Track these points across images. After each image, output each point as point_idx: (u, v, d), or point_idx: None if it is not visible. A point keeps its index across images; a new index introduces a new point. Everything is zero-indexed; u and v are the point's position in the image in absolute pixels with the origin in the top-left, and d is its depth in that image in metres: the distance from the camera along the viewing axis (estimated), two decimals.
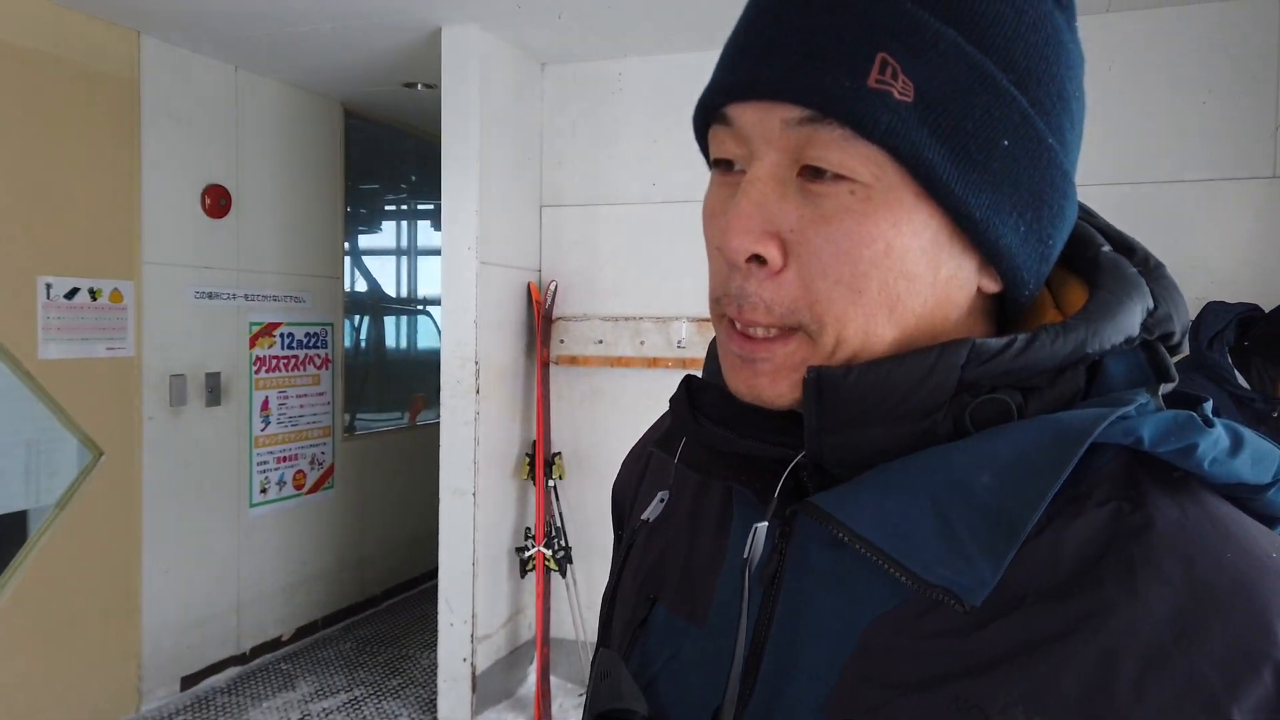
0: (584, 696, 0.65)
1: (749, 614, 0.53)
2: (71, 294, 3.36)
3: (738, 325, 0.52)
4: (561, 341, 3.95)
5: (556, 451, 3.92)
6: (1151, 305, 0.52)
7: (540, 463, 3.84)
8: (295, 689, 3.97)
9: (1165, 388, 0.51)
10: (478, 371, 3.56)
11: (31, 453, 3.35)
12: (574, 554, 3.87)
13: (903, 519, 0.48)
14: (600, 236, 3.93)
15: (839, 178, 0.48)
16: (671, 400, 0.61)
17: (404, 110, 4.94)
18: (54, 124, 3.30)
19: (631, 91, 3.86)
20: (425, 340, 7.14)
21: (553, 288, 3.95)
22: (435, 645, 3.70)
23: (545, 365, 3.93)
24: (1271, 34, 3.05)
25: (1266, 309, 2.93)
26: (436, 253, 8.40)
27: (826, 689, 0.50)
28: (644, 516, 0.68)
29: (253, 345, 4.22)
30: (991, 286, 0.53)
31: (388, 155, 6.18)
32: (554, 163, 4.00)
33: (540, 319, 3.91)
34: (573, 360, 3.93)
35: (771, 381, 0.52)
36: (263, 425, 4.28)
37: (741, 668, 0.53)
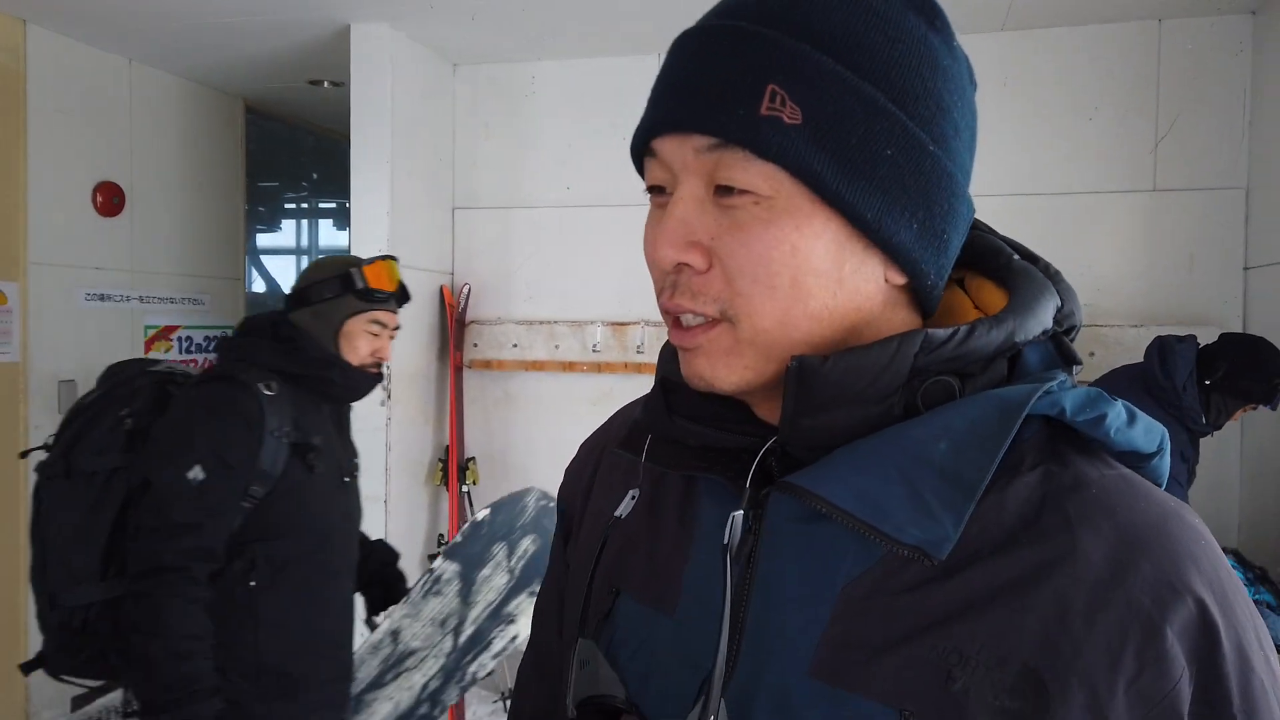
0: (507, 698, 0.68)
1: (732, 594, 0.59)
2: None
3: (671, 311, 0.60)
4: (475, 345, 3.91)
5: (470, 456, 3.89)
6: (1060, 303, 0.62)
7: (454, 468, 3.79)
8: None
9: (1076, 370, 0.61)
10: (389, 376, 3.50)
11: None
12: None
13: (874, 488, 0.55)
14: (515, 239, 3.91)
15: (744, 192, 0.56)
16: (646, 399, 0.68)
17: (309, 108, 4.81)
18: None
19: (545, 94, 3.85)
20: None
21: (466, 291, 3.91)
22: None
23: (459, 369, 3.89)
24: (1151, 56, 3.24)
25: (1156, 319, 3.11)
26: (340, 252, 8.19)
27: (812, 653, 0.56)
28: (617, 514, 0.72)
29: (148, 349, 4.04)
30: (897, 279, 0.60)
31: (288, 152, 6.01)
32: (467, 164, 3.96)
33: (453, 322, 3.86)
34: (486, 364, 3.90)
35: (710, 365, 0.60)
36: None
37: (727, 643, 0.59)
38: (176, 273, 4.20)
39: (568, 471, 0.84)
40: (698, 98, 0.57)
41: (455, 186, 3.97)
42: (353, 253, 3.47)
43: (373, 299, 2.01)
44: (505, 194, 3.92)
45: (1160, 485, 0.61)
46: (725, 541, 0.60)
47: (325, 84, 4.24)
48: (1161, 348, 2.38)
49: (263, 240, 7.64)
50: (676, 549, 0.66)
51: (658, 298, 0.62)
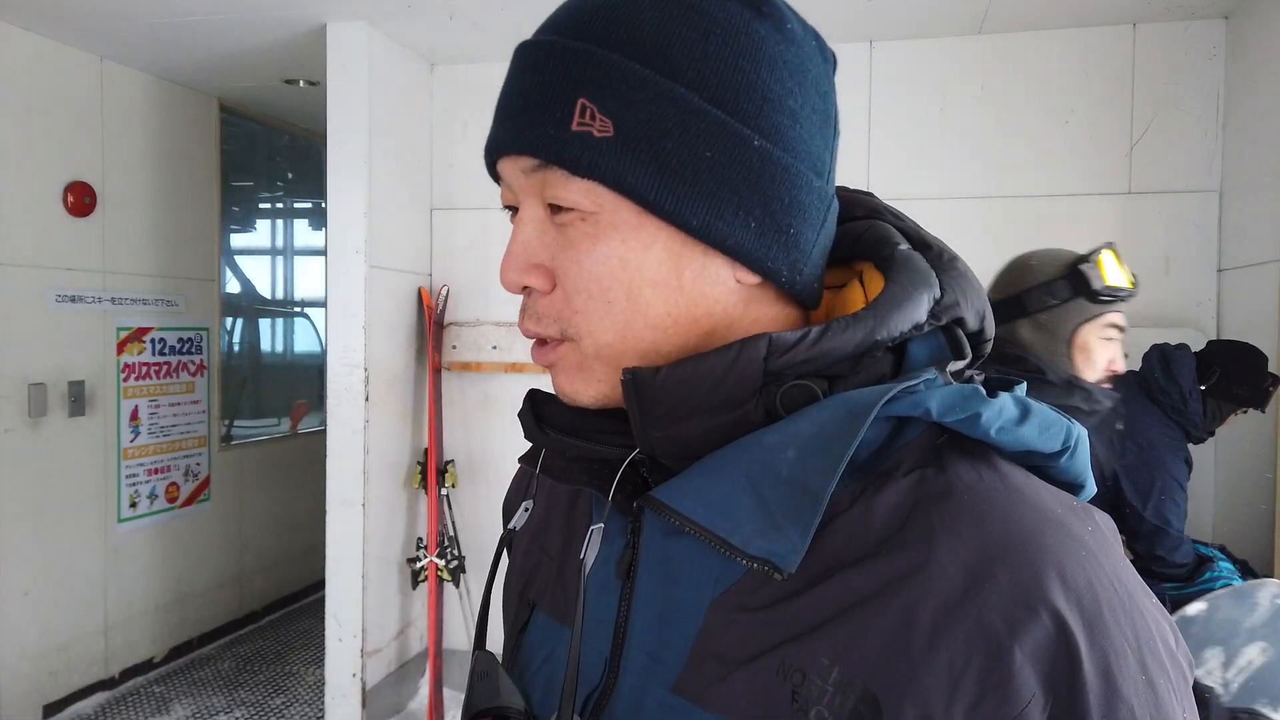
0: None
1: (584, 612, 0.59)
2: None
3: (523, 333, 0.61)
4: (454, 347, 3.88)
5: (449, 459, 3.86)
6: (938, 294, 0.58)
7: (433, 471, 3.76)
8: (170, 712, 3.77)
9: (954, 365, 0.58)
10: (367, 378, 3.46)
11: None
12: (467, 563, 3.81)
13: (724, 499, 0.53)
14: (493, 241, 3.89)
15: (570, 210, 0.56)
16: (519, 414, 0.66)
17: (284, 107, 4.76)
18: None
19: None
20: (304, 344, 6.89)
21: (444, 292, 3.88)
22: (321, 661, 3.58)
23: (437, 371, 3.86)
24: (1126, 60, 3.27)
25: (1133, 321, 3.12)
26: (314, 253, 8.14)
27: (678, 669, 0.55)
28: (511, 525, 0.73)
29: (120, 351, 3.99)
30: (749, 279, 0.58)
31: (263, 152, 5.94)
32: (445, 165, 3.93)
33: (432, 324, 3.83)
34: (465, 366, 3.88)
35: (569, 380, 0.60)
36: (132, 436, 4.04)
37: (606, 657, 0.59)
38: (150, 274, 4.14)
39: (513, 480, 0.83)
40: (519, 118, 0.56)
41: (433, 188, 3.94)
42: (329, 254, 3.44)
43: (1112, 298, 1.68)
44: (483, 195, 3.90)
45: (1078, 486, 0.58)
46: (581, 557, 0.59)
47: (301, 83, 4.19)
48: (1163, 355, 2.40)
49: (237, 240, 7.55)
50: (576, 563, 0.64)
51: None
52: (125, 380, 4.00)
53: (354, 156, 3.44)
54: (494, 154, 0.59)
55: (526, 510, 0.73)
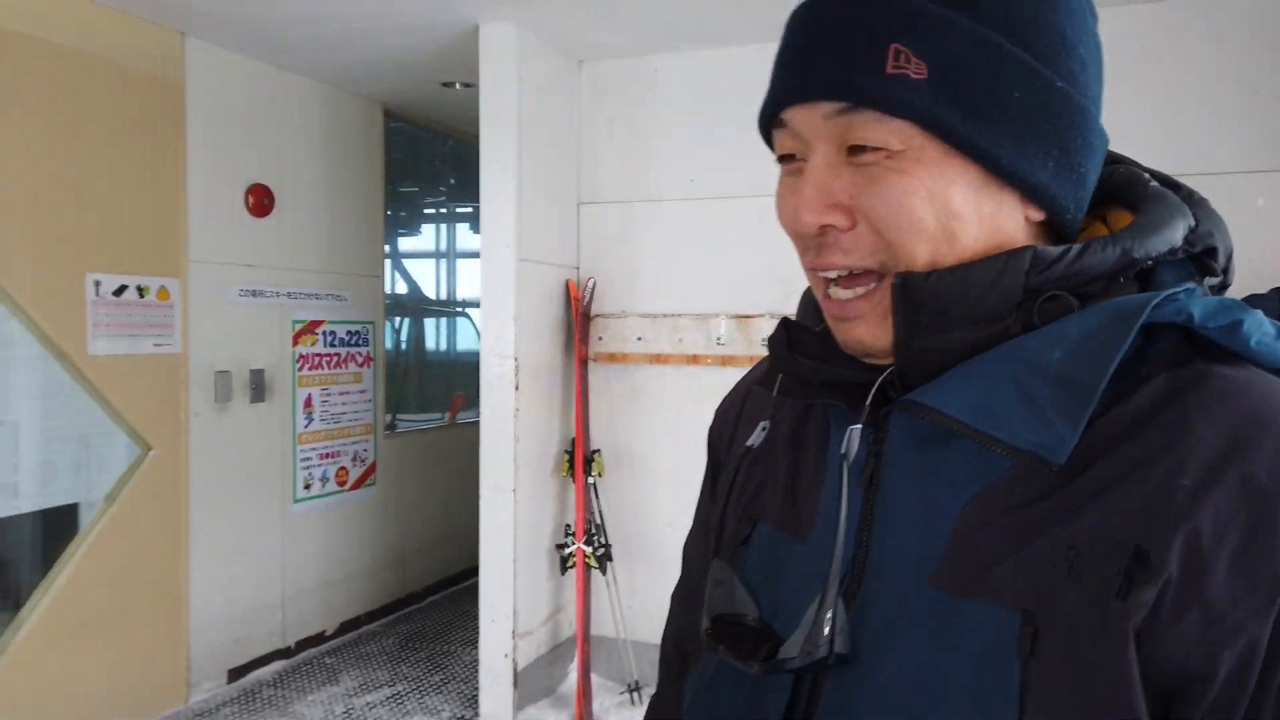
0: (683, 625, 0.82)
1: (853, 510, 0.62)
2: (120, 291, 3.43)
3: (819, 269, 0.63)
4: (600, 339, 3.94)
5: (595, 449, 3.92)
6: (1193, 223, 0.61)
7: (579, 460, 3.83)
8: (339, 683, 4.02)
9: (1211, 281, 0.61)
10: (516, 368, 3.57)
11: (82, 447, 3.42)
12: (614, 552, 3.86)
13: (988, 399, 0.56)
14: (638, 234, 3.92)
15: (876, 149, 0.58)
16: (770, 340, 0.71)
17: (442, 110, 4.97)
18: (103, 124, 3.36)
19: (667, 88, 3.84)
20: (464, 342, 7.18)
21: (591, 285, 3.95)
22: (476, 642, 3.71)
23: (584, 363, 3.93)
24: None
25: None
26: (475, 255, 8.44)
27: (933, 566, 0.58)
28: (748, 444, 0.76)
29: (295, 343, 4.27)
30: (1036, 215, 0.61)
31: (427, 157, 6.22)
32: (591, 160, 4.00)
33: (579, 316, 3.91)
34: (611, 357, 3.93)
35: (870, 330, 0.62)
36: (306, 422, 4.33)
37: (850, 557, 0.61)
38: (321, 270, 4.42)
39: (717, 411, 0.88)
40: (824, 66, 0.59)
41: (580, 182, 4.02)
42: (483, 248, 3.56)
43: None
44: (629, 188, 3.94)
45: None
46: (842, 452, 0.62)
47: (457, 85, 4.36)
48: None
49: (403, 243, 7.95)
50: (811, 481, 0.69)
51: (801, 259, 0.65)
52: (300, 370, 4.29)
53: (505, 153, 3.55)
54: (783, 103, 0.62)
55: (764, 429, 0.75)
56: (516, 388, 3.57)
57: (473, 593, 3.87)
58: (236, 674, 3.98)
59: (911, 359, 0.61)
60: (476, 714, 3.65)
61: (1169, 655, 0.50)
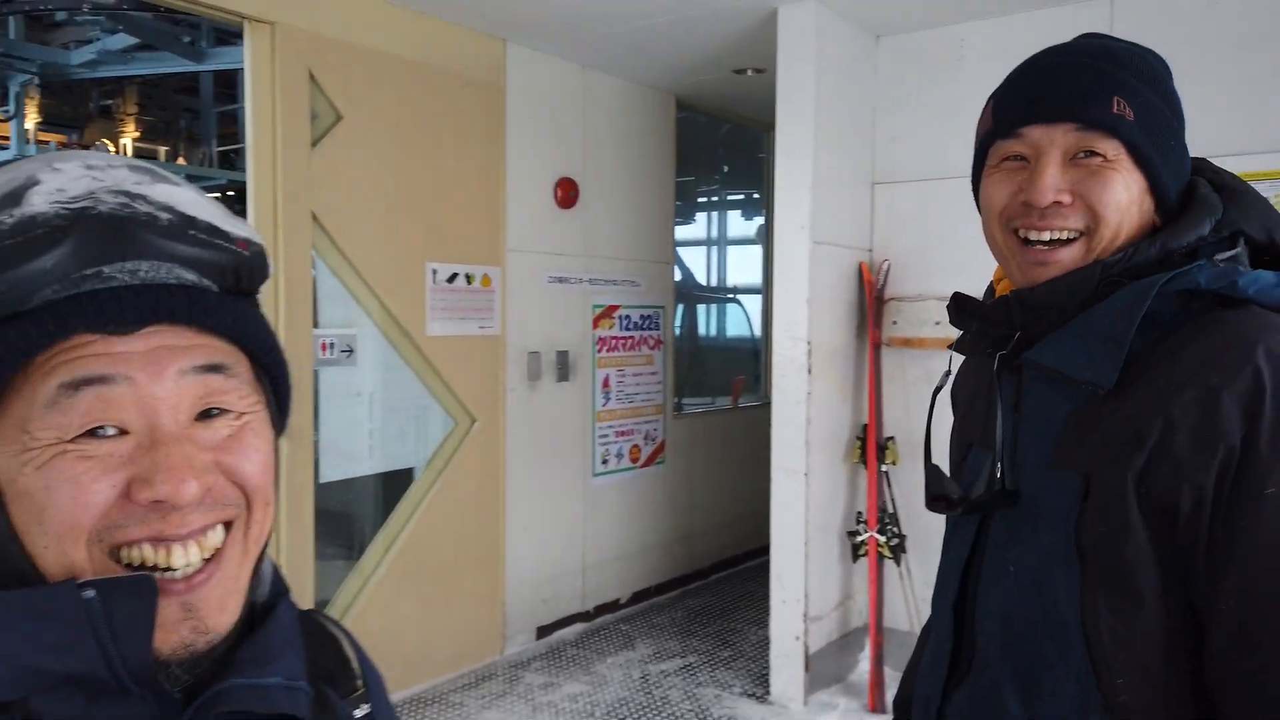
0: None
1: (1004, 423, 1.02)
2: (451, 279, 3.80)
3: (1041, 229, 0.98)
4: (894, 323, 3.83)
5: (889, 436, 3.82)
6: (1219, 216, 0.96)
7: (872, 446, 3.76)
8: (635, 649, 4.23)
9: (1222, 255, 0.94)
10: (809, 351, 3.55)
11: (419, 418, 3.84)
12: (907, 543, 3.75)
13: (1067, 352, 0.95)
14: (935, 213, 3.76)
15: (1098, 155, 0.95)
16: (949, 306, 1.11)
17: (730, 98, 5.03)
18: (438, 127, 3.74)
19: (974, 58, 3.64)
20: (735, 328, 7.26)
21: (885, 267, 3.84)
22: (764, 622, 3.76)
23: (877, 347, 3.84)
24: None
25: None
26: (745, 242, 8.48)
27: (1049, 455, 0.97)
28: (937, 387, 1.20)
29: (595, 326, 4.53)
30: (1151, 214, 0.99)
31: (703, 145, 6.33)
32: (887, 138, 3.88)
33: (872, 299, 3.82)
34: (906, 342, 3.81)
35: (1048, 272, 0.98)
36: (604, 401, 4.58)
37: (1008, 448, 1.01)
38: (618, 257, 4.65)
39: (954, 381, 1.25)
40: (1072, 102, 0.96)
41: (875, 161, 3.92)
42: (776, 231, 3.58)
43: None
44: (927, 166, 3.78)
45: None
46: (999, 386, 1.03)
47: (749, 72, 4.40)
48: None
49: (678, 232, 8.18)
50: (991, 411, 1.04)
51: (1010, 223, 1.00)
52: (599, 351, 4.54)
53: (800, 135, 3.54)
54: (1029, 120, 0.98)
55: (948, 374, 1.21)
56: (809, 371, 3.56)
57: (757, 573, 3.93)
58: (544, 631, 4.30)
59: (1026, 330, 1.00)
60: (767, 693, 3.70)
61: (1155, 491, 0.87)
